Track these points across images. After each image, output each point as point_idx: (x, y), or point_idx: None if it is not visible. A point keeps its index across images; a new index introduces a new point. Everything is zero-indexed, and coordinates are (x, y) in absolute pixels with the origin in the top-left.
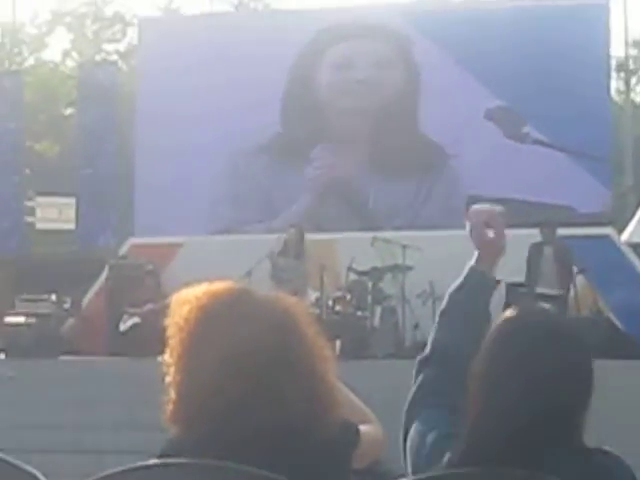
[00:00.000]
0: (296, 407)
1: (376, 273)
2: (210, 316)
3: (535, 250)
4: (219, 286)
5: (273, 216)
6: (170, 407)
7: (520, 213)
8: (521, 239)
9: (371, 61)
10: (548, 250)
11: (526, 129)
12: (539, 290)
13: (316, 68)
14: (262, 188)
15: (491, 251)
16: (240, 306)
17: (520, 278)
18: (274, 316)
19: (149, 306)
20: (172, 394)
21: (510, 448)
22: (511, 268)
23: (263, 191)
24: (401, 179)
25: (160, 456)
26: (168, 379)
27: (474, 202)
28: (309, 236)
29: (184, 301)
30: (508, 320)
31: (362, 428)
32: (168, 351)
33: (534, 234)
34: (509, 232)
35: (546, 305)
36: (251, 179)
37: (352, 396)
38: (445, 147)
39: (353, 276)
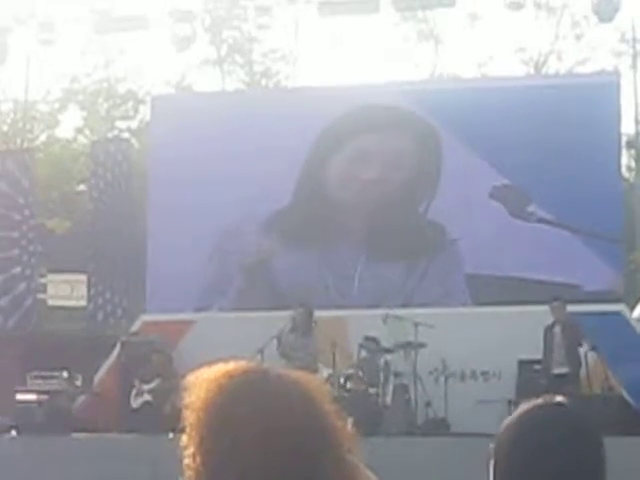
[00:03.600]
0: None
1: (388, 350)
2: (233, 397)
3: (548, 330)
4: (236, 366)
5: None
6: None
7: (526, 291)
8: (534, 316)
9: (387, 160)
10: (557, 328)
11: (531, 208)
12: (554, 371)
13: (331, 156)
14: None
15: None
16: (263, 385)
17: (531, 355)
18: (298, 392)
19: (159, 382)
20: (192, 477)
21: None
22: (524, 344)
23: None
24: (397, 259)
25: None
26: (186, 461)
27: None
28: (320, 313)
29: (202, 382)
30: (527, 413)
31: None
32: (187, 434)
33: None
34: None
35: (560, 384)
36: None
37: (370, 474)
38: (448, 229)
39: (365, 353)
